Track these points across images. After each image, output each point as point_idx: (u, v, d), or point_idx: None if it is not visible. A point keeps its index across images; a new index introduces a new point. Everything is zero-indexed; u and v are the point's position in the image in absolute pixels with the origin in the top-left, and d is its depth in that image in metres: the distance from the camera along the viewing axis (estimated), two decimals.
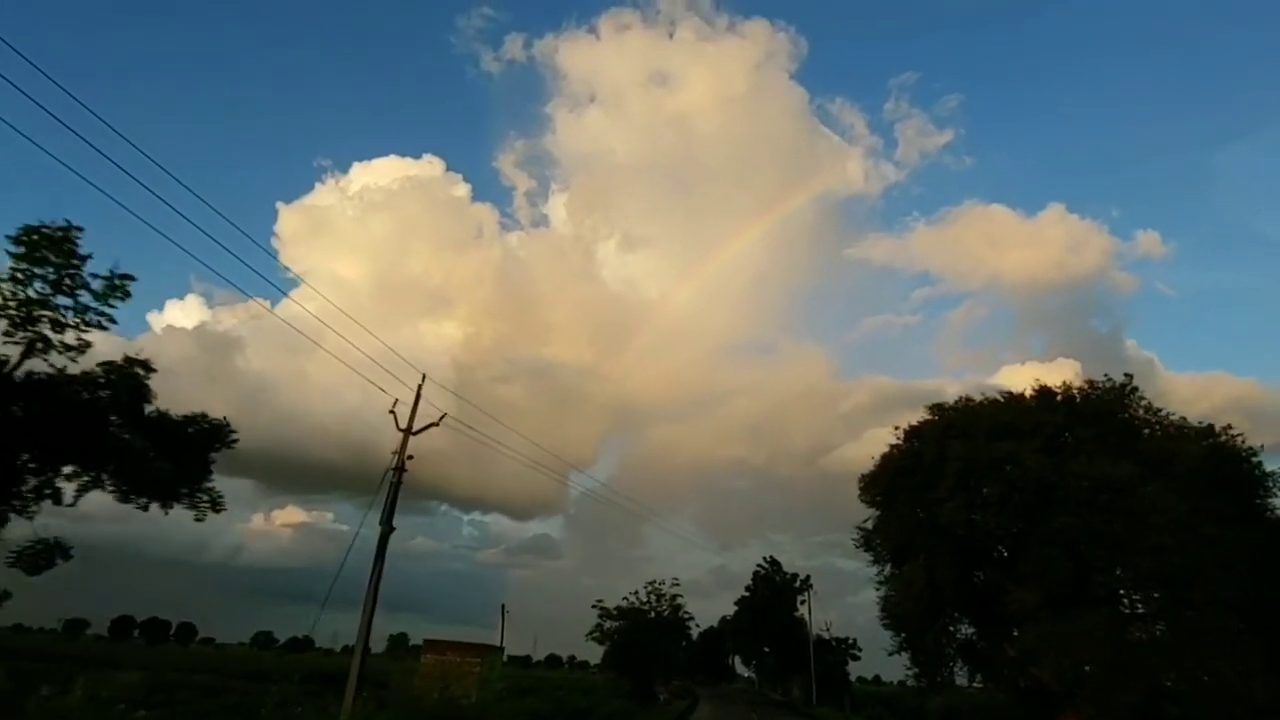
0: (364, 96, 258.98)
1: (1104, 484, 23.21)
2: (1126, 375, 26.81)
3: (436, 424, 15.35)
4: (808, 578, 63.37)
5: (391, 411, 15.05)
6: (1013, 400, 28.14)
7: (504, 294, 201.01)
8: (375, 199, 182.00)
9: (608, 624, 40.49)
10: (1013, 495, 24.32)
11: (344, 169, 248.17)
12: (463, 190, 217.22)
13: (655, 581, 41.84)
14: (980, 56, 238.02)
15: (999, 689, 29.97)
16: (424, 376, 15.38)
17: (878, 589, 30.78)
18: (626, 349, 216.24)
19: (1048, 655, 23.24)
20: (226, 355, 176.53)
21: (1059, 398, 27.81)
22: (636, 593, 41.50)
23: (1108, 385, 27.09)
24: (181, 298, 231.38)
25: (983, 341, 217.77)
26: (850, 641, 59.32)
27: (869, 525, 29.58)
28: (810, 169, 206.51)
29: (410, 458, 14.78)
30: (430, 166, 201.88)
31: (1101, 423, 26.15)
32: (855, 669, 65.20)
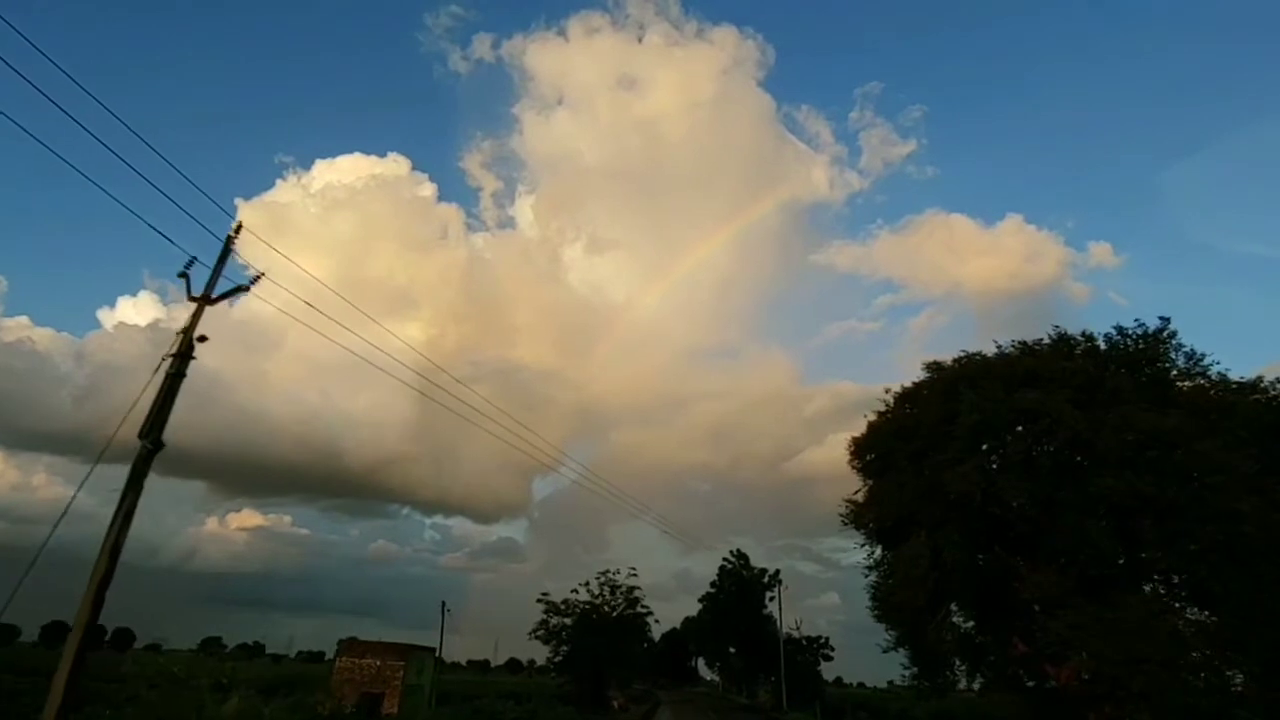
0: (327, 92, 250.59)
1: (1152, 438, 18.99)
2: (1162, 319, 22.70)
3: (247, 288, 10.26)
4: (777, 572, 59.08)
5: (183, 274, 9.93)
6: (1028, 349, 23.86)
7: (469, 295, 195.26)
8: (338, 197, 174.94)
9: (554, 620, 35.18)
10: (1039, 454, 19.99)
11: (306, 166, 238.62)
12: (428, 190, 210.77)
13: (608, 571, 36.61)
14: (943, 69, 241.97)
15: (1006, 691, 25.61)
16: (239, 225, 10.28)
17: (866, 574, 26.34)
18: (592, 352, 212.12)
19: (1085, 648, 18.85)
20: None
21: (1079, 350, 23.63)
22: (587, 584, 36.21)
23: (1139, 332, 22.94)
24: (135, 294, 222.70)
25: (943, 348, 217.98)
26: (822, 640, 55.06)
27: (859, 497, 25.03)
28: (776, 175, 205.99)
29: (203, 339, 9.65)
30: (395, 165, 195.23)
31: (1135, 372, 22.07)
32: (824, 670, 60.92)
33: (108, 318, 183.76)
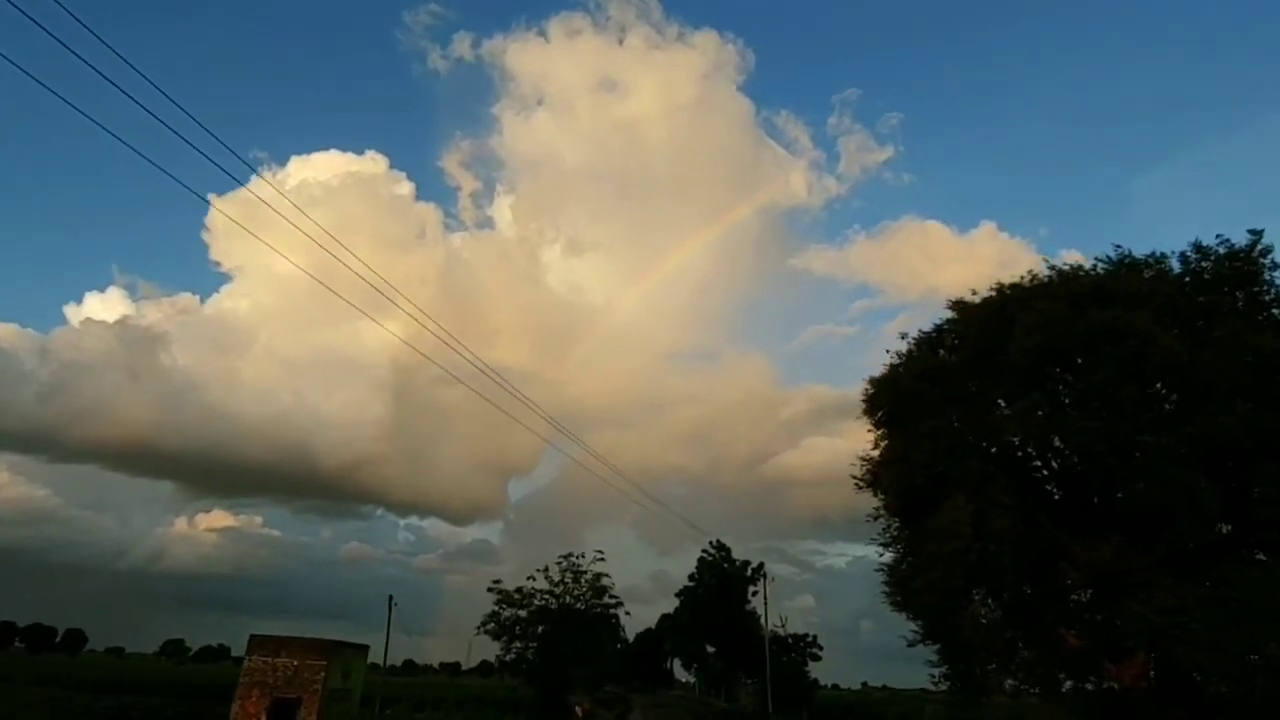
0: (304, 88, 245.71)
1: (1275, 363, 14.45)
2: (1253, 232, 18.09)
3: None
4: (760, 565, 54.28)
5: None
6: (1085, 274, 19.20)
7: (446, 295, 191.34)
8: (314, 194, 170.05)
9: (506, 612, 29.91)
10: (1124, 386, 15.34)
11: (281, 162, 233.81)
12: (406, 189, 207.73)
13: (571, 555, 31.35)
14: (920, 79, 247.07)
15: (1046, 695, 20.93)
16: None
17: (880, 553, 21.62)
18: (570, 354, 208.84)
19: (1186, 640, 14.24)
20: (151, 351, 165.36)
21: (1149, 274, 19.04)
22: (546, 570, 30.91)
23: (1225, 250, 18.33)
24: (103, 289, 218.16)
25: None
26: (810, 639, 50.36)
27: (876, 454, 20.24)
28: (755, 179, 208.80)
29: None
30: (373, 163, 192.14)
31: (1228, 292, 17.58)
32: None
33: (74, 314, 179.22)
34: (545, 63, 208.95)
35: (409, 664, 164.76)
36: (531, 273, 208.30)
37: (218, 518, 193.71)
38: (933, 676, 19.43)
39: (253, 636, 30.16)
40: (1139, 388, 15.23)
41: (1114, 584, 16.65)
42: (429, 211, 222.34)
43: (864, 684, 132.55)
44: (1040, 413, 16.24)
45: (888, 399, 19.66)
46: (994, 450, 17.74)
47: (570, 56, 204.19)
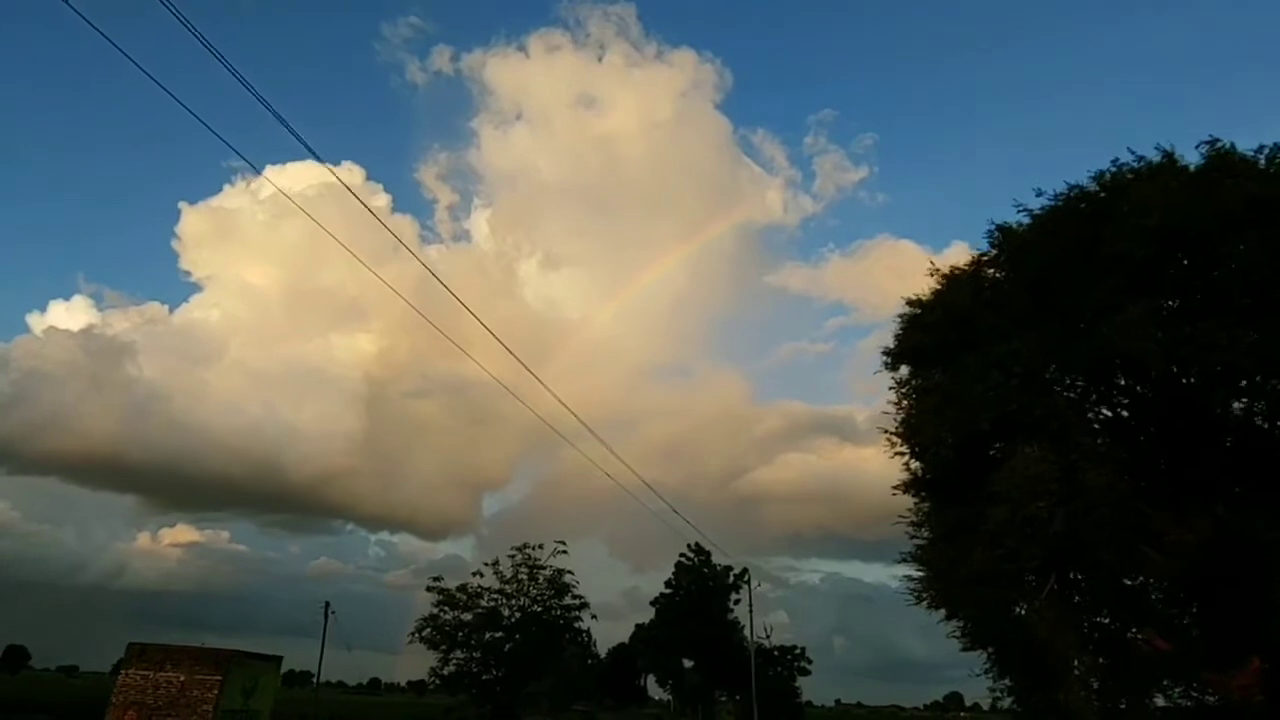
0: (281, 97, 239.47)
1: None
2: None
3: None
4: (744, 571, 49.48)
5: None
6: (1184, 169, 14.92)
7: (421, 308, 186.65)
8: (288, 204, 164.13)
9: (447, 616, 24.67)
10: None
11: (256, 171, 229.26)
12: (382, 200, 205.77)
13: (527, 547, 25.96)
14: (894, 101, 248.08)
15: (1125, 714, 16.44)
16: None
17: (911, 535, 17.04)
18: (545, 368, 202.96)
19: None
20: (116, 361, 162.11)
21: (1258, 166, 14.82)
22: (496, 564, 25.76)
23: None
24: (68, 298, 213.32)
25: None
26: (799, 651, 45.66)
27: (915, 400, 15.68)
28: (732, 197, 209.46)
29: None
30: (349, 174, 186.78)
31: None
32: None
33: (37, 322, 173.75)
34: (524, 78, 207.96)
35: (374, 682, 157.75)
36: (508, 286, 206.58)
37: (182, 532, 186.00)
38: (994, 691, 14.81)
39: (131, 645, 24.64)
40: None
41: (1230, 566, 12.43)
42: (405, 224, 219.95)
43: (838, 701, 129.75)
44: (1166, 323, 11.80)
45: (934, 324, 15.13)
46: (1080, 385, 13.34)
47: (549, 72, 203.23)
